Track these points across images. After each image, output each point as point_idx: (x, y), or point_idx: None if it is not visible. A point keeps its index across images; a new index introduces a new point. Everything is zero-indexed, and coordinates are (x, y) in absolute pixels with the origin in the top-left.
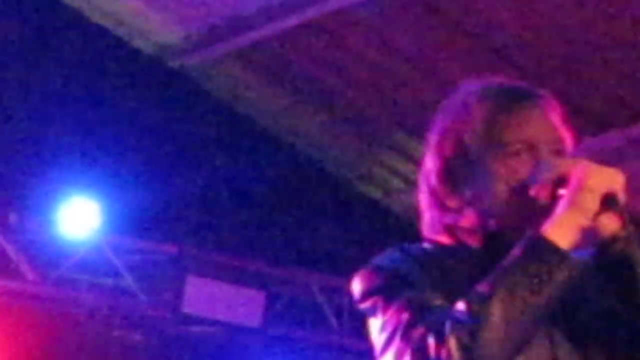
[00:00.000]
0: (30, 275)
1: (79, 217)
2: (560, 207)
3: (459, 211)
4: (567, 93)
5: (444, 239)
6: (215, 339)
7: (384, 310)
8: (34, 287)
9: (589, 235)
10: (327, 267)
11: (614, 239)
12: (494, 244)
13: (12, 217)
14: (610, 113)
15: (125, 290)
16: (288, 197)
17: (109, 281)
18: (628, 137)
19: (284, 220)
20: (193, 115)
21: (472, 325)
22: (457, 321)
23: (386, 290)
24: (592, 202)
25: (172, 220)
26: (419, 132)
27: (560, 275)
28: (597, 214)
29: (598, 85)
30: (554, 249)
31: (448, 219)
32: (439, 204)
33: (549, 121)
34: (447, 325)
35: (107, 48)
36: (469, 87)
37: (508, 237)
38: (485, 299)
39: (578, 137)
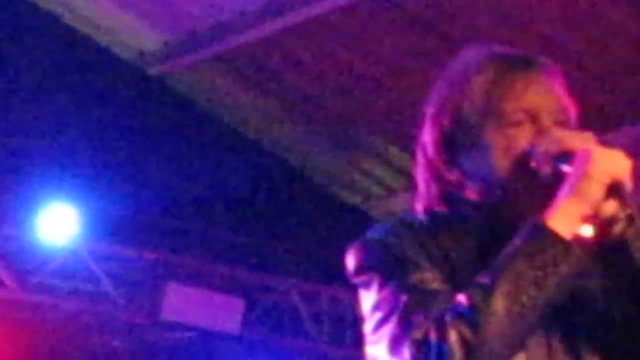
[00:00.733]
0: (9, 282)
1: (58, 224)
2: (564, 193)
3: (457, 183)
4: None
5: (441, 210)
6: (194, 345)
7: (380, 288)
8: (12, 294)
9: (591, 222)
10: (307, 274)
11: (612, 220)
12: (494, 217)
13: None
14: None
15: (104, 297)
16: (267, 204)
17: (88, 287)
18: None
19: (263, 226)
20: (172, 122)
21: (475, 319)
22: (458, 314)
23: (383, 267)
24: (597, 192)
25: (151, 227)
26: (398, 138)
27: (566, 268)
28: (602, 202)
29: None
30: (559, 240)
31: (446, 190)
32: (437, 177)
33: (551, 89)
34: (449, 318)
35: (86, 54)
36: (468, 55)
37: (508, 210)
38: (488, 292)
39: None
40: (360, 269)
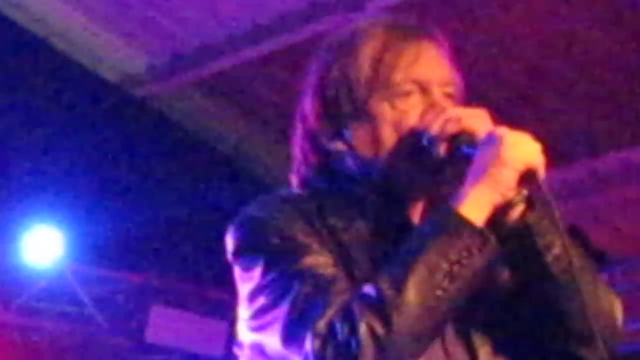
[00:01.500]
0: None
1: (42, 246)
2: (474, 179)
3: (339, 155)
4: (528, 123)
5: (320, 184)
6: None
7: (265, 271)
8: None
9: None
10: None
11: (510, 204)
12: (380, 194)
13: None
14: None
15: (88, 319)
16: None
17: (73, 310)
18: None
19: None
20: (157, 145)
21: (386, 312)
22: (368, 306)
23: (268, 248)
24: (511, 179)
25: (136, 249)
26: None
27: (481, 259)
28: (515, 189)
29: (558, 117)
30: (473, 229)
31: (325, 163)
32: (316, 148)
33: (441, 61)
34: (357, 310)
35: (71, 76)
36: (356, 23)
37: (394, 188)
38: (400, 284)
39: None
40: (241, 250)
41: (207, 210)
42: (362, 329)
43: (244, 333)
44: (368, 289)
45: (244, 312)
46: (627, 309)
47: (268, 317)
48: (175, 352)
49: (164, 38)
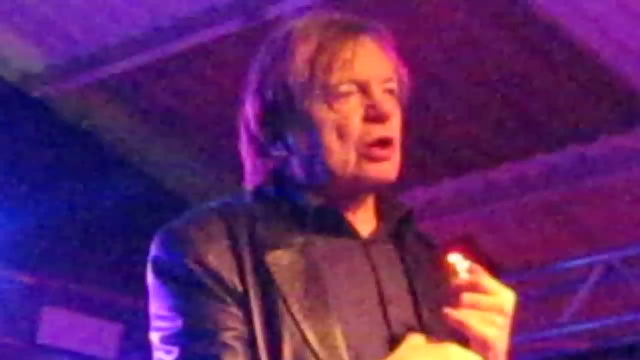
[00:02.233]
0: None
1: None
2: None
3: (282, 160)
4: (425, 132)
5: (268, 190)
6: None
7: (161, 299)
8: None
9: None
10: None
11: None
12: (321, 205)
13: None
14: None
15: None
16: (148, 230)
17: None
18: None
19: (143, 253)
20: (53, 145)
21: None
22: None
23: (173, 274)
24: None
25: (28, 249)
26: None
27: None
28: None
29: (456, 126)
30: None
31: (271, 167)
32: (261, 152)
33: (383, 56)
34: None
35: None
36: (293, 22)
37: (338, 196)
38: None
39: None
40: (154, 264)
41: (102, 211)
42: None
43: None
44: None
45: (153, 325)
46: (517, 321)
47: (162, 350)
48: (67, 354)
49: (64, 38)
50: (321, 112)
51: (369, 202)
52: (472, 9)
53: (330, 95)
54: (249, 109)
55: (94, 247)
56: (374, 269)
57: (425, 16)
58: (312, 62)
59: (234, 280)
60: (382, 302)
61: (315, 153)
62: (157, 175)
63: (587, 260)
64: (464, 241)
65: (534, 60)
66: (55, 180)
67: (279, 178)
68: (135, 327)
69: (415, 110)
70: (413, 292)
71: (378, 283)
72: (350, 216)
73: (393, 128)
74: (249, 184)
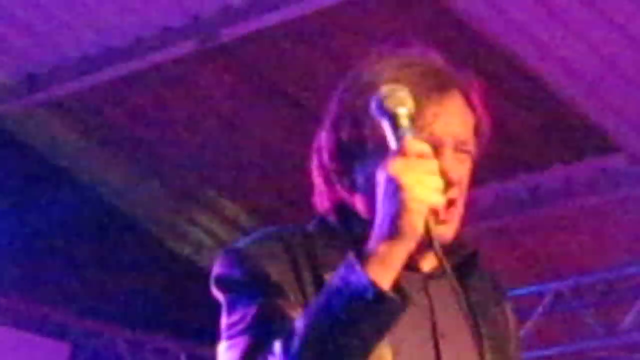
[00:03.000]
0: None
1: None
2: (380, 233)
3: (347, 194)
4: None
5: (331, 218)
6: None
7: (230, 309)
8: None
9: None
10: (133, 322)
11: None
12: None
13: None
14: None
15: None
16: (98, 250)
17: None
18: None
19: (92, 272)
20: (6, 164)
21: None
22: (277, 354)
23: (237, 285)
24: (418, 231)
25: None
26: (230, 191)
27: (377, 320)
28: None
29: None
30: (375, 290)
31: (338, 200)
32: (329, 184)
33: (462, 114)
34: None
35: None
36: (381, 63)
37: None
38: (298, 341)
39: None
40: (217, 281)
41: (51, 230)
42: None
43: None
44: (276, 345)
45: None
46: None
47: (226, 356)
48: None
49: (16, 57)
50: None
51: None
52: (423, 34)
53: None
54: (324, 141)
55: (43, 266)
56: (430, 302)
57: (374, 38)
58: None
59: (295, 292)
60: (435, 334)
61: (367, 203)
62: (107, 194)
63: (537, 288)
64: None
65: (487, 89)
66: (5, 198)
67: (343, 209)
68: (83, 347)
69: None
70: (477, 331)
71: (432, 315)
72: (413, 251)
73: (459, 191)
74: (318, 206)
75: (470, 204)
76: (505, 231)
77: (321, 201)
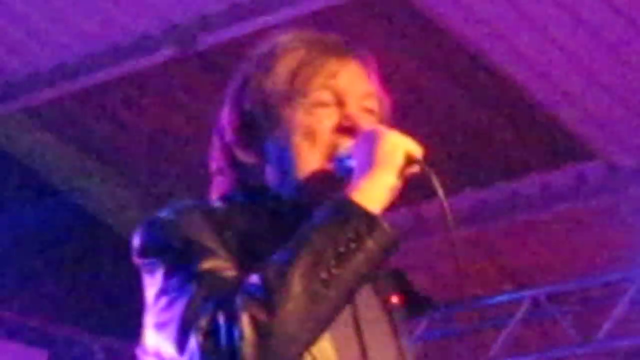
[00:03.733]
0: None
1: None
2: (362, 171)
3: (255, 168)
4: None
5: (239, 199)
6: None
7: (167, 274)
8: None
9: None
10: (111, 330)
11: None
12: (292, 208)
13: None
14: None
15: None
16: (75, 257)
17: None
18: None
19: (69, 279)
20: None
21: (269, 299)
22: (250, 295)
23: (172, 250)
24: (399, 160)
25: None
26: (208, 193)
27: (370, 244)
28: (402, 170)
29: None
30: (363, 213)
31: (243, 176)
32: (233, 161)
33: (364, 77)
34: (239, 301)
35: None
36: (278, 37)
37: (312, 197)
38: (284, 270)
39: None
40: (145, 251)
41: (28, 238)
42: (244, 317)
43: (149, 337)
44: (253, 278)
45: (149, 317)
46: (445, 355)
47: (166, 316)
48: None
49: None
50: (297, 117)
51: None
52: (405, 46)
53: (307, 102)
54: (226, 118)
55: (20, 272)
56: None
57: None
58: (295, 73)
59: (226, 257)
60: (358, 325)
61: (285, 155)
62: (85, 203)
63: (514, 295)
64: (393, 275)
65: (463, 95)
66: None
67: (248, 185)
68: (61, 354)
69: None
70: (391, 318)
71: (355, 309)
72: None
73: None
74: (215, 192)
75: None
76: (482, 238)
77: (222, 183)
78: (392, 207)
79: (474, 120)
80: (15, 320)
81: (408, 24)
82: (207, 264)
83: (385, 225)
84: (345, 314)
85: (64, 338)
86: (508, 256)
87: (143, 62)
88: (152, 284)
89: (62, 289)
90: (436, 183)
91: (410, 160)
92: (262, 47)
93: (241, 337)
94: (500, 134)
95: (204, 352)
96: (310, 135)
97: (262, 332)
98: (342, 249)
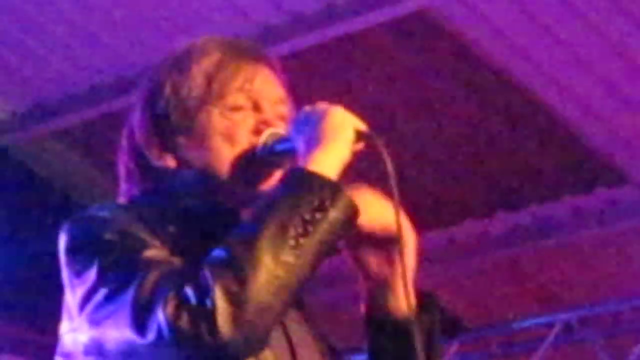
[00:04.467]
0: None
1: None
2: (310, 147)
3: (167, 171)
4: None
5: (146, 202)
6: None
7: (102, 270)
8: None
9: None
10: None
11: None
12: (211, 206)
13: None
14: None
15: None
16: None
17: None
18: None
19: None
20: (15, 193)
21: (239, 270)
22: (219, 267)
23: (107, 246)
24: (348, 133)
25: None
26: None
27: (335, 211)
28: (354, 143)
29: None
30: (326, 182)
31: (153, 178)
32: (142, 163)
33: (275, 82)
34: (208, 274)
35: None
36: (192, 42)
37: (227, 198)
38: (252, 240)
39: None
40: (76, 248)
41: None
42: (215, 287)
43: (74, 341)
44: (217, 251)
45: (74, 320)
46: None
47: (110, 307)
48: None
49: (27, 86)
50: (212, 119)
51: None
52: (436, 68)
53: (224, 105)
54: (137, 121)
55: (48, 294)
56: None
57: (387, 73)
58: (211, 76)
59: (164, 248)
60: (290, 345)
61: (203, 161)
62: None
63: (546, 319)
64: (425, 298)
65: (498, 119)
66: (15, 229)
67: (157, 188)
68: None
69: (374, 165)
70: (318, 339)
71: (286, 329)
72: (237, 218)
73: None
74: (123, 195)
75: (479, 235)
76: (514, 262)
77: (130, 185)
78: (423, 229)
79: (505, 143)
80: (42, 341)
81: (437, 45)
82: (149, 253)
83: (348, 193)
84: (279, 332)
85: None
86: (539, 279)
87: None
88: (80, 283)
89: None
90: (386, 156)
91: (359, 135)
92: (175, 51)
93: (214, 307)
94: (532, 158)
95: (174, 325)
96: (229, 137)
97: (236, 303)
98: (307, 217)
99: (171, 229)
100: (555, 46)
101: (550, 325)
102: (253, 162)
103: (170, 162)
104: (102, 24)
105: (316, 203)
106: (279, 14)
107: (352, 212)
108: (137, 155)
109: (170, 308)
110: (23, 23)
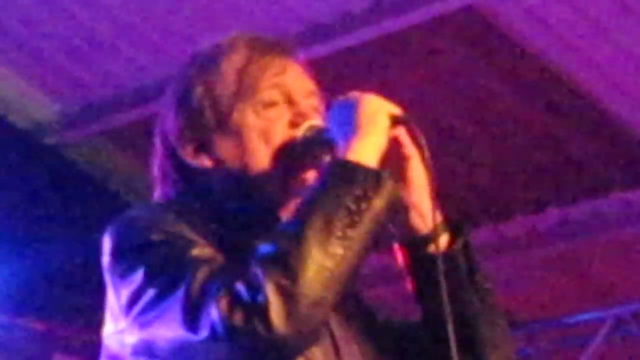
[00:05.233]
0: None
1: None
2: (349, 137)
3: (203, 171)
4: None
5: (186, 199)
6: None
7: (149, 272)
8: None
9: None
10: None
11: (424, 240)
12: (250, 205)
13: None
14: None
15: None
16: None
17: None
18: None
19: None
20: (66, 193)
21: (289, 265)
22: (268, 263)
23: (154, 247)
24: (384, 121)
25: (38, 296)
26: None
27: (379, 201)
28: (390, 129)
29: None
30: (367, 171)
31: (190, 180)
32: (179, 166)
33: (305, 74)
34: (257, 269)
35: None
36: (219, 40)
37: (266, 200)
38: (299, 234)
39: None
40: (122, 250)
41: None
42: (266, 283)
43: (120, 342)
44: (265, 247)
45: (118, 321)
46: None
47: (160, 306)
48: None
49: (76, 86)
50: (247, 118)
51: None
52: (484, 64)
53: (257, 103)
54: (170, 122)
55: (104, 294)
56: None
57: (434, 70)
58: (241, 73)
59: (210, 246)
60: (334, 340)
61: (240, 159)
62: None
63: (598, 314)
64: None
65: (548, 114)
66: (67, 227)
67: (195, 188)
68: None
69: None
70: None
71: (330, 326)
72: (277, 217)
73: None
74: (158, 198)
75: (528, 230)
76: (565, 256)
77: (168, 187)
78: (473, 225)
79: (554, 138)
80: (99, 341)
81: (485, 41)
82: (195, 251)
83: (389, 179)
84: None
85: None
86: (591, 274)
87: None
88: (125, 285)
89: None
90: (422, 141)
91: (395, 121)
92: (203, 51)
93: (267, 302)
94: (581, 153)
95: (228, 321)
96: (265, 135)
97: (288, 297)
98: (353, 208)
99: (211, 227)
100: (605, 40)
101: (601, 320)
102: (293, 155)
103: (206, 161)
104: (150, 24)
105: (360, 193)
106: (327, 12)
107: (395, 198)
108: (172, 157)
109: (223, 305)
110: (72, 24)
